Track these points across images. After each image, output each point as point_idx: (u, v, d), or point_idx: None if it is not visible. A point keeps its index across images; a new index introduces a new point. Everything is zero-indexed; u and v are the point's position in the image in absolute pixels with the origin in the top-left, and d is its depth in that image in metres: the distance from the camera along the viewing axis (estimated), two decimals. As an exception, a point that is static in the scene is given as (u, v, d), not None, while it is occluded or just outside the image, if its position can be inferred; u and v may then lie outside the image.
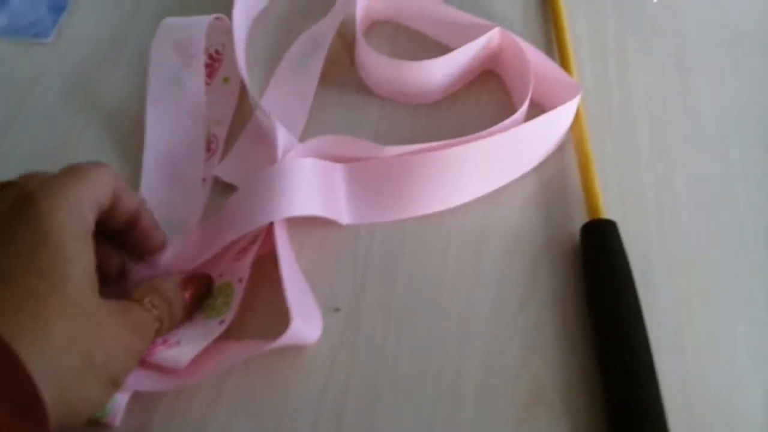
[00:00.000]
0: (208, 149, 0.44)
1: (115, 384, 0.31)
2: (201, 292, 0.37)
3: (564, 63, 0.47)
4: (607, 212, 0.40)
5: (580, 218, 0.40)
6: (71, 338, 0.29)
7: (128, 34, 0.50)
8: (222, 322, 0.36)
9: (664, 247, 0.41)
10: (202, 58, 0.44)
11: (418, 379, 0.36)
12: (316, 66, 0.47)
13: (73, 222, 0.30)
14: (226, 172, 0.43)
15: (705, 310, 0.38)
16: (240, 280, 0.37)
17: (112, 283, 0.37)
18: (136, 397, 0.35)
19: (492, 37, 0.45)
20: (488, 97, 0.47)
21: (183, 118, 0.44)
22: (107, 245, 0.36)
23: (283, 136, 0.40)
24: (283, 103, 0.45)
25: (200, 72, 0.44)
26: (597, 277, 0.38)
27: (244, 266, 0.37)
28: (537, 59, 0.44)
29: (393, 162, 0.41)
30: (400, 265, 0.40)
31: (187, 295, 0.36)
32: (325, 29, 0.48)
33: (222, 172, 0.43)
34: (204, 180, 0.42)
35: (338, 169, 0.41)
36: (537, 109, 0.43)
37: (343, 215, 0.41)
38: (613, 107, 0.46)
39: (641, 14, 0.51)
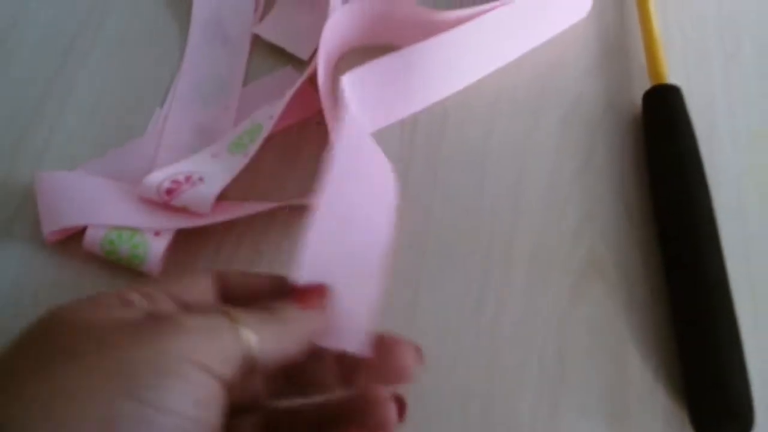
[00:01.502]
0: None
1: None
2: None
3: None
4: (672, 78, 0.37)
5: (643, 84, 0.38)
6: None
7: None
8: (245, 155, 0.35)
9: (730, 118, 0.38)
10: None
11: (468, 246, 0.35)
12: None
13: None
14: (268, 31, 0.40)
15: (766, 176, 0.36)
16: (271, 117, 0.35)
17: None
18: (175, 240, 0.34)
19: None
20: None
21: None
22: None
23: None
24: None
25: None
26: (659, 147, 0.36)
27: (277, 104, 0.35)
28: None
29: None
30: (446, 134, 0.38)
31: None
32: None
33: (264, 31, 0.40)
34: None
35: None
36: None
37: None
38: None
39: None
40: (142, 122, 0.38)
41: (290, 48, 0.40)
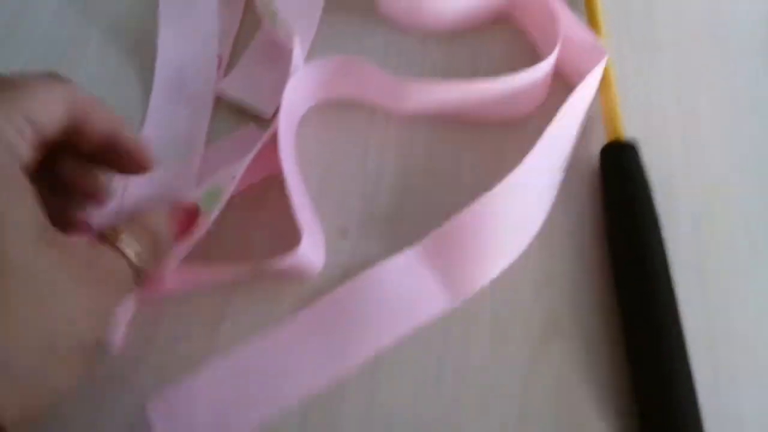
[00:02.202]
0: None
1: (89, 355, 0.26)
2: (193, 227, 0.32)
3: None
4: (629, 134, 0.38)
5: (601, 140, 0.38)
6: (20, 321, 0.23)
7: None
8: (208, 218, 0.34)
9: (686, 172, 0.39)
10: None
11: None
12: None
13: None
14: (231, 89, 0.41)
15: (727, 235, 0.37)
16: (233, 178, 0.35)
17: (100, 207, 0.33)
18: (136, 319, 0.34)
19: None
20: (503, 41, 0.43)
21: (196, 36, 0.42)
22: (87, 166, 0.31)
23: (298, 51, 0.38)
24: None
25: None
26: (615, 202, 0.36)
27: (240, 165, 0.35)
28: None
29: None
30: (413, 186, 0.38)
31: (176, 228, 0.32)
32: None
33: (227, 89, 0.41)
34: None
35: None
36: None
37: None
38: (635, 25, 0.44)
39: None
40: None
41: (253, 106, 0.40)
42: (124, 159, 0.31)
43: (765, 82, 0.42)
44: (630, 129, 0.38)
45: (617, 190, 0.36)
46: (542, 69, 0.38)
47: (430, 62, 0.42)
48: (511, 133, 0.39)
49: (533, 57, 0.42)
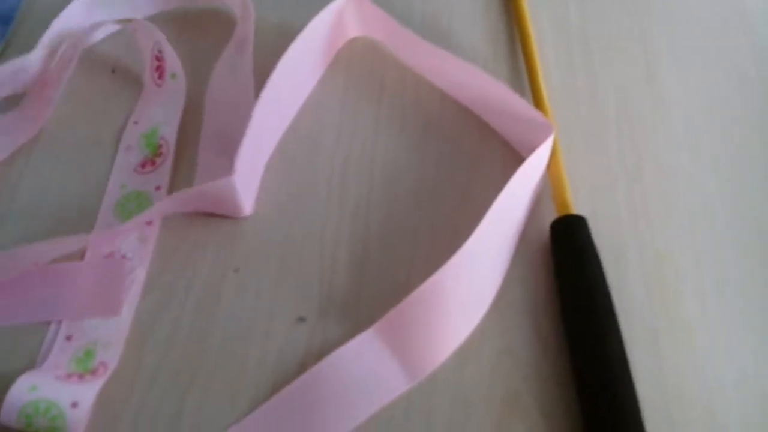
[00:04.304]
0: (159, 153, 0.42)
1: None
2: None
3: (532, 76, 0.45)
4: (578, 208, 0.39)
5: (551, 215, 0.39)
6: None
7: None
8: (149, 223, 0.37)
9: (635, 241, 0.40)
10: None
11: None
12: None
13: None
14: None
15: (678, 302, 0.38)
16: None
17: None
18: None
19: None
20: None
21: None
22: None
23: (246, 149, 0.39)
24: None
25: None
26: (567, 276, 0.37)
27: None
28: (504, 95, 0.42)
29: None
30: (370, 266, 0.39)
31: None
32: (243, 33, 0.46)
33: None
34: (158, 188, 0.41)
35: None
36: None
37: None
38: (580, 101, 0.45)
39: (604, 6, 0.50)
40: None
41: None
42: None
43: (707, 150, 0.43)
44: (580, 203, 0.39)
45: (567, 263, 0.37)
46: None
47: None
48: (468, 208, 0.40)
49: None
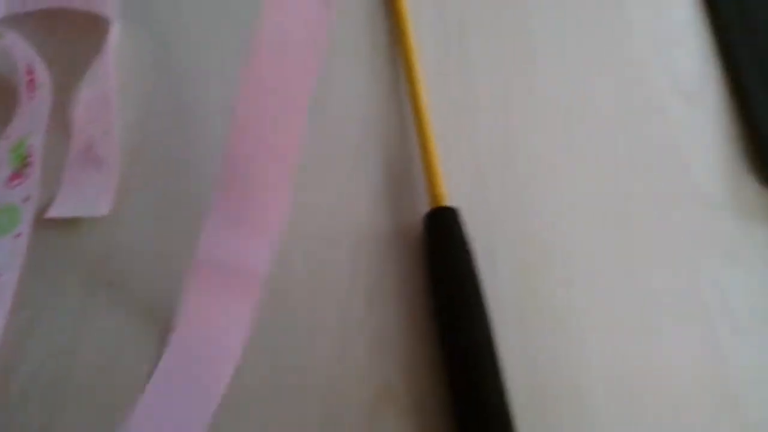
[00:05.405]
0: (27, 164, 0.41)
1: None
2: None
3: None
4: (453, 199, 0.40)
5: (426, 207, 0.40)
6: None
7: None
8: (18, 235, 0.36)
9: (507, 229, 0.41)
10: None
11: (262, 381, 0.36)
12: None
13: None
14: (63, 210, 0.40)
15: (547, 287, 0.39)
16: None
17: None
18: None
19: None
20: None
21: None
22: None
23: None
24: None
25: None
26: (437, 267, 0.38)
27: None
28: None
29: None
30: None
31: None
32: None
33: (59, 212, 0.40)
34: (26, 200, 0.40)
35: None
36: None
37: None
38: (454, 91, 0.46)
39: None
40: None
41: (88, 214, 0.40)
42: None
43: (580, 136, 0.44)
44: (454, 194, 0.40)
45: (438, 254, 0.38)
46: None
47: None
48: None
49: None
